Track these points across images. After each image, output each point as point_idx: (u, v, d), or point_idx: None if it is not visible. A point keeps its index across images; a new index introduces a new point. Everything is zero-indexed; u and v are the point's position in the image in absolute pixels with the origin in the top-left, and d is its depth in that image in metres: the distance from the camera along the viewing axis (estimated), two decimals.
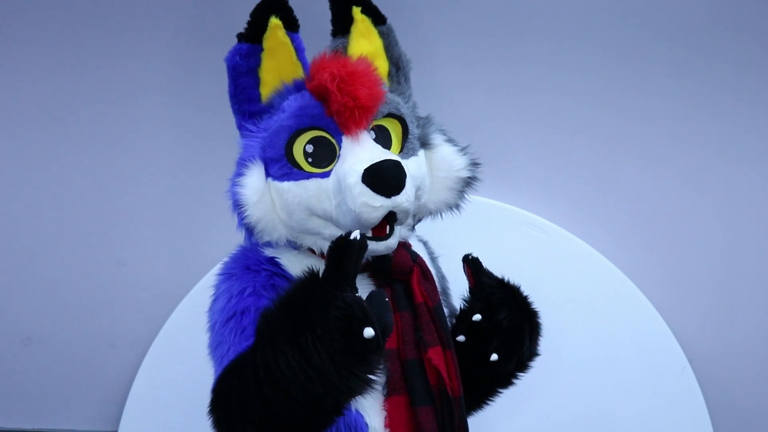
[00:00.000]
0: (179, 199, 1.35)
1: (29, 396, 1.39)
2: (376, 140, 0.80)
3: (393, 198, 0.73)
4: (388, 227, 0.77)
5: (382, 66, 0.86)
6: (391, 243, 0.78)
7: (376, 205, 0.73)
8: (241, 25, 0.84)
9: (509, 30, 1.29)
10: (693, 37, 1.27)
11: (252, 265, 0.81)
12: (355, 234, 0.68)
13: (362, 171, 0.74)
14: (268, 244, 0.83)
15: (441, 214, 0.86)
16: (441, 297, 0.86)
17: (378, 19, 0.87)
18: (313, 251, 0.82)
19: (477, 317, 0.83)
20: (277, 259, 0.82)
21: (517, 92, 1.30)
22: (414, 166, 0.81)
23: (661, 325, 1.25)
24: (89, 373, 1.38)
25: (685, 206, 1.30)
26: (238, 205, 0.79)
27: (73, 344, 1.38)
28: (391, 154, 0.78)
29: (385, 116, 0.81)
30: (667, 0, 1.27)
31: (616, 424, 1.23)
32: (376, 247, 0.77)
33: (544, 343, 0.88)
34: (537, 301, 0.93)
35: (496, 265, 0.93)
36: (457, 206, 0.86)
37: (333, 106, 0.77)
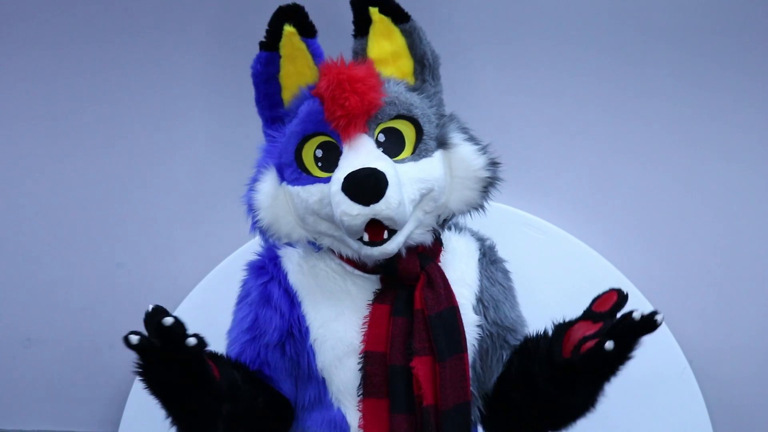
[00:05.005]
0: (178, 200, 1.35)
1: (29, 397, 1.39)
2: (386, 143, 0.81)
3: (372, 206, 0.74)
4: (386, 232, 0.77)
5: (405, 65, 0.86)
6: (388, 248, 0.78)
7: (353, 213, 0.74)
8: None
9: (508, 32, 1.28)
10: (692, 38, 1.26)
11: (262, 264, 0.87)
12: (133, 339, 0.68)
13: (342, 179, 0.75)
14: (289, 244, 0.87)
15: (469, 214, 0.85)
16: (476, 304, 0.85)
17: (399, 17, 0.85)
18: (333, 251, 0.84)
19: (609, 345, 0.73)
20: (279, 260, 0.87)
21: (515, 93, 1.30)
22: (423, 168, 0.80)
23: (661, 326, 1.25)
24: (89, 374, 1.38)
25: (685, 207, 1.30)
26: (251, 209, 0.83)
27: (73, 345, 1.38)
28: (385, 160, 0.78)
29: (394, 118, 0.81)
30: (667, 1, 1.27)
31: (615, 425, 1.22)
32: (370, 252, 0.78)
33: None
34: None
35: None
36: (481, 206, 0.84)
37: (326, 114, 0.79)
